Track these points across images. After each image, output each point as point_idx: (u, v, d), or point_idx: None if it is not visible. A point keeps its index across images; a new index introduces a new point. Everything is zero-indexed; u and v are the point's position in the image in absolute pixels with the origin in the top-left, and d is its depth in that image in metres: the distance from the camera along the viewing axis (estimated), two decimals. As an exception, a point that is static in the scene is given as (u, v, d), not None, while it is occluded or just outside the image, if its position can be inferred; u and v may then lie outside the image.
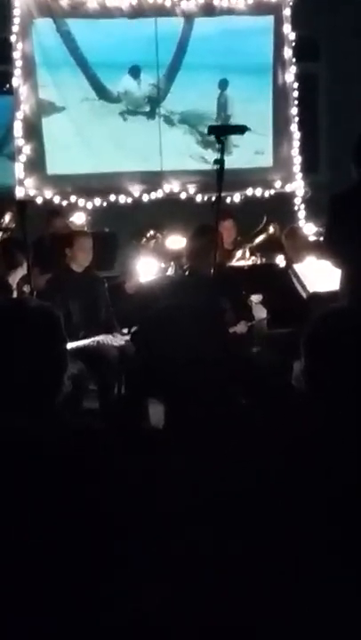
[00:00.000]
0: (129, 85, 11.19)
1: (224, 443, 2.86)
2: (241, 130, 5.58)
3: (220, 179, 5.50)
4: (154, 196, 11.04)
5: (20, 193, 10.53)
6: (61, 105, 10.88)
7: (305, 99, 11.87)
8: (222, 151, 5.41)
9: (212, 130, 5.56)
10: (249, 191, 11.20)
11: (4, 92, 12.74)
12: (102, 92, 11.06)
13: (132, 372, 3.06)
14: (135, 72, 11.14)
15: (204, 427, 2.88)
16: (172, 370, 2.88)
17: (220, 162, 5.39)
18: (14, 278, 7.59)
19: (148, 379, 2.98)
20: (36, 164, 10.76)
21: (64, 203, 10.74)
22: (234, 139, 11.31)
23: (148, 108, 11.27)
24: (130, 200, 10.96)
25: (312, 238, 8.76)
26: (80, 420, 3.00)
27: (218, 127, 5.50)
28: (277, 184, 11.40)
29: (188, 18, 11.09)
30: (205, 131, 11.09)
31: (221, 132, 5.44)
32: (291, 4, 11.33)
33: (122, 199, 10.93)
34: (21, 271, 7.52)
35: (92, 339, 7.60)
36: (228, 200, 10.83)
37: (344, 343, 3.04)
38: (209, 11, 11.09)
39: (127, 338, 7.81)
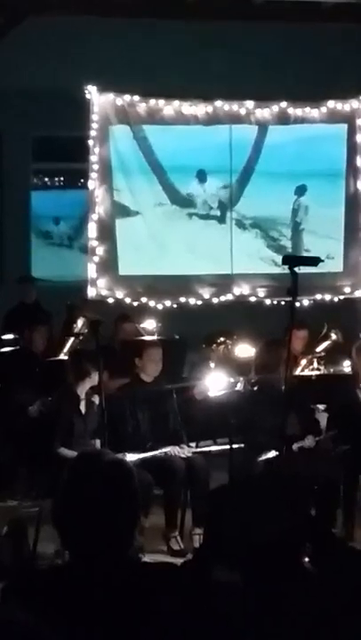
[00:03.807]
0: (198, 189, 11.38)
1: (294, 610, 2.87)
2: (314, 262, 5.63)
3: (292, 309, 5.56)
4: (224, 298, 11.14)
5: (92, 293, 10.72)
6: (135, 209, 11.10)
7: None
8: (296, 281, 5.45)
9: (285, 260, 5.61)
10: (318, 296, 11.22)
11: (79, 187, 13.14)
12: (175, 197, 11.27)
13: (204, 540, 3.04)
14: (202, 176, 11.33)
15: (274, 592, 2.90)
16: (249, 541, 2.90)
17: (293, 293, 5.43)
18: (83, 389, 7.67)
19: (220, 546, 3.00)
20: (109, 265, 10.95)
21: (135, 303, 10.87)
22: (306, 242, 11.50)
23: (219, 212, 11.43)
24: (200, 302, 11.06)
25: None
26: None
27: (291, 258, 5.55)
28: (347, 290, 11.43)
29: (262, 126, 11.28)
30: (277, 235, 11.33)
31: (295, 263, 5.49)
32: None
33: (192, 301, 11.04)
34: (90, 382, 7.60)
35: (160, 450, 7.64)
36: (298, 304, 10.85)
37: None
38: (283, 119, 11.28)
39: (194, 449, 7.86)
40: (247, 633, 2.80)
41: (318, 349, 9.73)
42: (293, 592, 2.89)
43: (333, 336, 9.92)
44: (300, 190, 11.50)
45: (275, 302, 11.03)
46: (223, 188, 11.44)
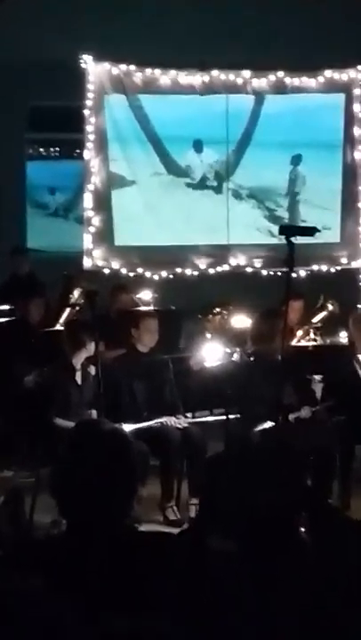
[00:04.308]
0: (194, 159, 11.34)
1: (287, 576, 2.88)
2: (311, 232, 5.62)
3: (289, 280, 5.55)
4: (220, 269, 11.12)
5: (87, 263, 10.70)
6: (131, 179, 11.07)
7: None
8: (292, 252, 5.43)
9: (282, 230, 5.58)
10: (314, 267, 11.19)
11: (74, 158, 13.11)
12: (171, 167, 11.23)
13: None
14: (198, 146, 11.30)
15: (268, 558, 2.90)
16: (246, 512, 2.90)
17: (289, 263, 5.42)
18: (79, 359, 7.66)
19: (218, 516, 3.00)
20: (105, 235, 10.92)
21: (131, 274, 10.85)
22: (302, 213, 11.46)
23: (215, 183, 11.39)
24: (196, 273, 11.05)
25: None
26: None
27: (288, 227, 5.53)
28: (343, 260, 11.41)
29: (259, 95, 11.21)
30: (273, 205, 11.29)
31: (292, 233, 5.46)
32: (361, 83, 11.42)
33: (188, 272, 11.02)
34: (86, 352, 7.59)
35: (156, 420, 7.65)
36: (294, 275, 10.82)
37: None
38: (280, 89, 11.21)
39: (190, 420, 7.86)
40: (243, 602, 2.80)
41: (314, 320, 9.73)
42: (289, 562, 2.89)
43: (330, 307, 9.91)
44: (296, 160, 11.44)
45: (271, 273, 11.03)
46: (220, 158, 11.38)
